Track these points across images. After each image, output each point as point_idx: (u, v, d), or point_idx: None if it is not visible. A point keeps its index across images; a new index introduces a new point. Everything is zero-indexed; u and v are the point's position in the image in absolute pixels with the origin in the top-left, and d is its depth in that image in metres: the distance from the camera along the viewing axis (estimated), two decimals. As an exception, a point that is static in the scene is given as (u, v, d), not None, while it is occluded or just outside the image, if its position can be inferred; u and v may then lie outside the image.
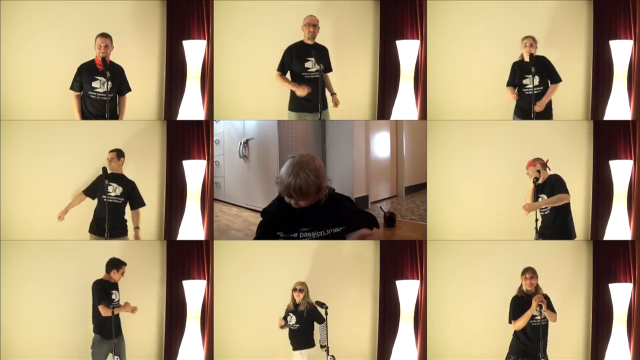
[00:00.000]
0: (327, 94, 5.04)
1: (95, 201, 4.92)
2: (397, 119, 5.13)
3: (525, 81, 4.94)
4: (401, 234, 5.50)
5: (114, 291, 4.76)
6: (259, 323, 5.02)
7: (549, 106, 4.99)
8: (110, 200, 4.86)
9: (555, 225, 4.84)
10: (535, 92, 4.91)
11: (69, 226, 4.92)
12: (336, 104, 5.03)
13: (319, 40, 5.00)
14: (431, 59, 5.03)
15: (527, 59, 4.91)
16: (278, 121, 6.44)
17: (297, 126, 7.02)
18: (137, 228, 4.99)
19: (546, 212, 4.85)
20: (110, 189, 4.87)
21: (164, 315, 5.04)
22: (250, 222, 6.41)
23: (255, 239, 3.61)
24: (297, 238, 3.52)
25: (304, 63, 4.95)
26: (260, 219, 3.61)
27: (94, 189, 4.91)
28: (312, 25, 4.92)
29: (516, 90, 4.98)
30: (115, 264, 4.79)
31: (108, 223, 4.76)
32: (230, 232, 5.84)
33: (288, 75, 5.01)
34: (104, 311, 4.66)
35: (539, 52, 4.94)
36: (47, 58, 5.02)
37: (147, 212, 5.04)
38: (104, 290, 4.73)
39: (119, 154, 4.95)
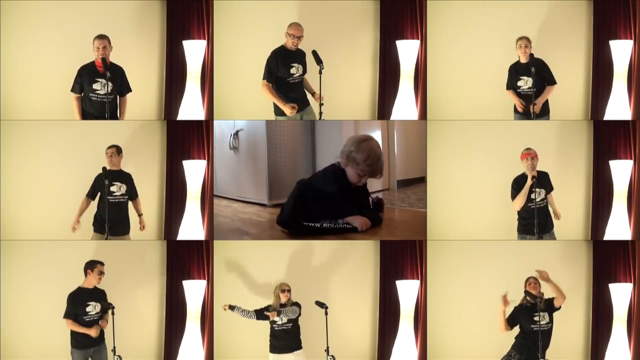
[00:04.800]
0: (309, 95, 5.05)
1: (97, 200, 4.86)
2: (397, 119, 5.13)
3: (519, 82, 4.94)
4: (390, 216, 5.38)
5: (90, 302, 4.57)
6: (258, 323, 5.01)
7: (546, 106, 4.99)
8: (117, 200, 4.82)
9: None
10: (528, 93, 4.91)
11: (69, 226, 4.91)
12: (318, 100, 4.92)
13: (320, 38, 4.99)
14: (431, 59, 5.03)
15: (523, 60, 4.91)
16: (267, 121, 6.39)
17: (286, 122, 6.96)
18: (141, 215, 4.95)
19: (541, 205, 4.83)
20: (114, 188, 4.81)
21: (164, 315, 5.04)
22: (239, 211, 6.29)
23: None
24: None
25: (289, 69, 4.94)
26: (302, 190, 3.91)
27: (95, 190, 4.86)
28: (297, 37, 4.86)
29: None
30: (89, 265, 4.63)
31: (114, 222, 4.74)
32: (218, 218, 5.67)
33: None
34: (69, 325, 4.53)
35: (538, 53, 4.94)
36: (47, 58, 5.02)
37: (147, 212, 5.04)
38: (73, 303, 4.56)
39: (118, 149, 4.90)
